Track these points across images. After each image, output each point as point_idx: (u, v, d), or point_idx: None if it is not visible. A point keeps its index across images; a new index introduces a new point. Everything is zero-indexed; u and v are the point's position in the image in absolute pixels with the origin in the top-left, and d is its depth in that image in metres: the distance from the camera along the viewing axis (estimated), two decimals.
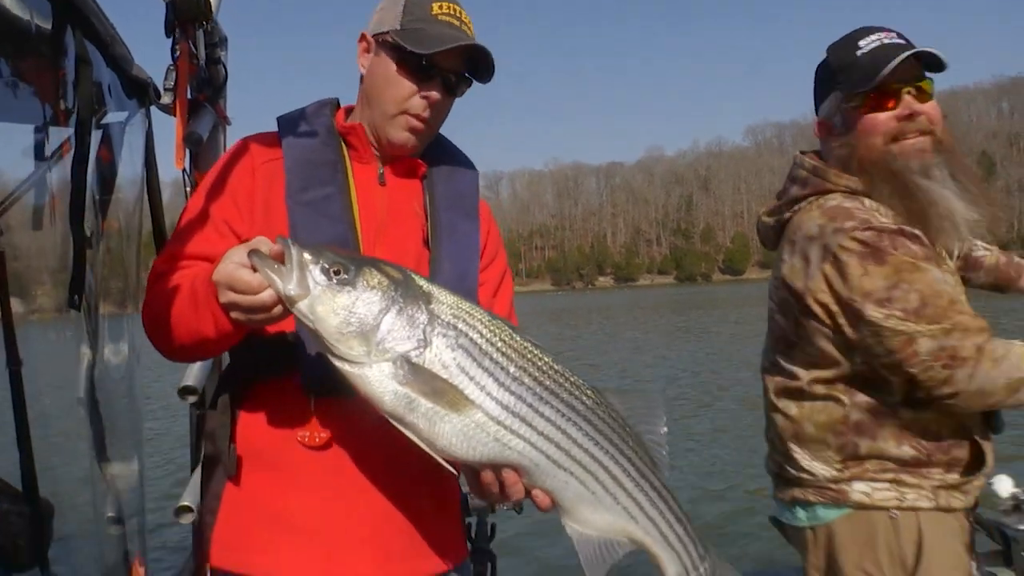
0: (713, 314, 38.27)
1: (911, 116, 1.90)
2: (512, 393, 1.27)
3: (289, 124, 1.67)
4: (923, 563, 1.83)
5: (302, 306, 1.25)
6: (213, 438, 1.60)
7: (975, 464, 1.91)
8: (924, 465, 1.88)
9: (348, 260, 1.27)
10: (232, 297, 1.30)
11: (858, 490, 1.89)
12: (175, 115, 2.37)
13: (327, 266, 1.25)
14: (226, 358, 1.81)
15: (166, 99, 2.36)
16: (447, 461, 1.31)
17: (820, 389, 1.94)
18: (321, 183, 1.61)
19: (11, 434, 2.20)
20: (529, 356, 1.31)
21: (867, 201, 1.94)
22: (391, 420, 1.29)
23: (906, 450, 1.88)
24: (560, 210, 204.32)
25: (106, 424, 2.40)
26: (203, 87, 2.49)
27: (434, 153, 1.75)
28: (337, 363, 1.28)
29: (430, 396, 1.25)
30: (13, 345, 2.19)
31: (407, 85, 1.60)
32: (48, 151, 2.49)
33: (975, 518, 2.77)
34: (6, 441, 2.23)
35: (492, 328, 1.30)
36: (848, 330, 1.85)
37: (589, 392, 1.35)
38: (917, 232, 1.86)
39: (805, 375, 1.96)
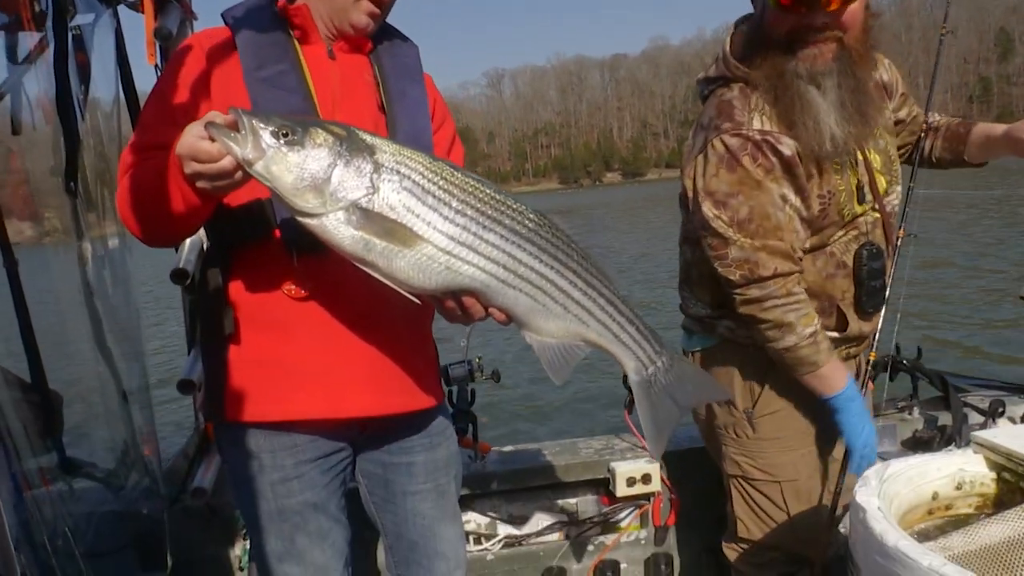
0: None
1: (821, 22, 1.90)
2: (456, 224, 1.40)
3: (236, 16, 1.75)
4: (765, 393, 2.13)
5: (258, 167, 1.36)
6: (209, 310, 1.72)
7: (837, 328, 2.12)
8: None
9: (294, 122, 1.38)
10: (195, 167, 1.40)
11: (724, 326, 2.16)
12: (142, 11, 2.42)
13: (275, 129, 1.36)
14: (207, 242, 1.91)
15: None
16: (410, 293, 1.45)
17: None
18: (274, 60, 1.69)
19: (15, 330, 2.35)
20: (470, 190, 1.42)
21: (754, 97, 2.01)
22: (353, 262, 1.43)
23: None
24: (565, 107, 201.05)
25: (103, 312, 2.55)
26: None
27: (375, 32, 1.83)
28: (299, 217, 1.40)
29: (383, 236, 1.38)
30: (8, 248, 2.31)
31: None
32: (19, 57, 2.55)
33: (916, 367, 3.00)
34: (11, 335, 2.38)
35: (433, 168, 1.41)
36: (691, 215, 2.06)
37: (532, 216, 1.47)
38: (782, 145, 1.95)
39: (693, 230, 2.14)
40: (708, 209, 1.99)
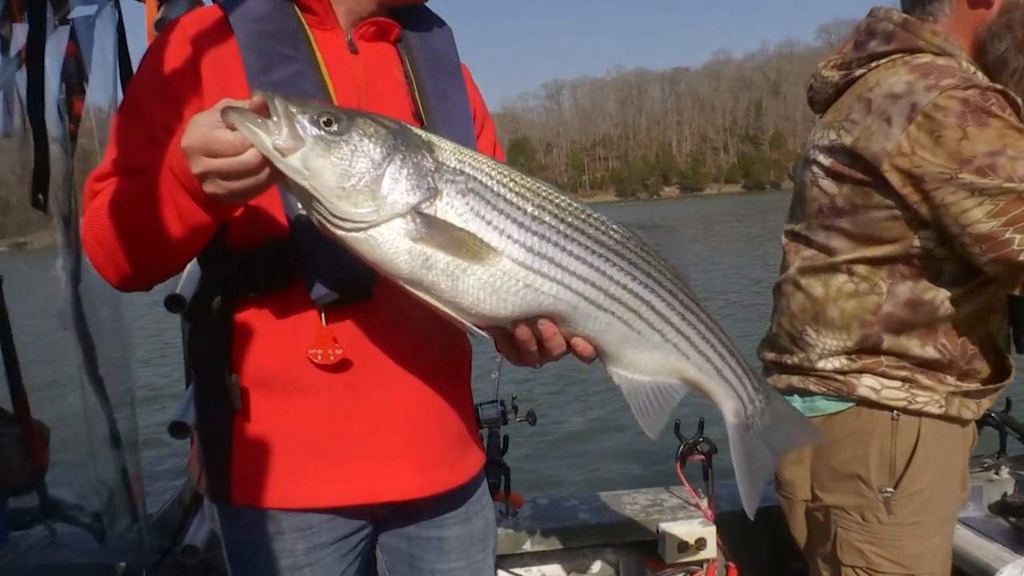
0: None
1: None
2: (535, 233, 1.19)
3: None
4: (911, 469, 1.75)
5: (293, 161, 1.11)
6: (207, 364, 1.44)
7: (994, 377, 1.81)
8: (942, 369, 1.76)
9: (337, 110, 1.16)
10: (209, 164, 1.13)
11: (866, 384, 1.77)
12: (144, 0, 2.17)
13: (316, 116, 1.12)
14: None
15: None
16: (476, 323, 1.21)
17: (861, 270, 1.76)
18: (284, 59, 1.39)
19: None
20: (544, 194, 1.22)
21: (963, 62, 1.71)
22: (409, 286, 1.18)
23: (929, 351, 1.74)
24: (624, 119, 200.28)
25: (94, 339, 2.29)
26: None
27: (401, 11, 1.53)
28: (339, 230, 1.14)
29: (448, 249, 1.16)
30: None
31: None
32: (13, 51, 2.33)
33: (1005, 420, 2.66)
34: None
35: (500, 170, 1.21)
36: (923, 204, 1.65)
37: (616, 227, 1.26)
38: (1018, 99, 1.66)
39: (848, 252, 1.77)
40: (971, 180, 1.59)
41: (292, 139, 1.11)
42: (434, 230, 1.15)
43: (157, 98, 1.37)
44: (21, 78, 2.28)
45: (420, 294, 1.18)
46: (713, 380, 1.34)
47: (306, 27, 1.43)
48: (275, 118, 1.11)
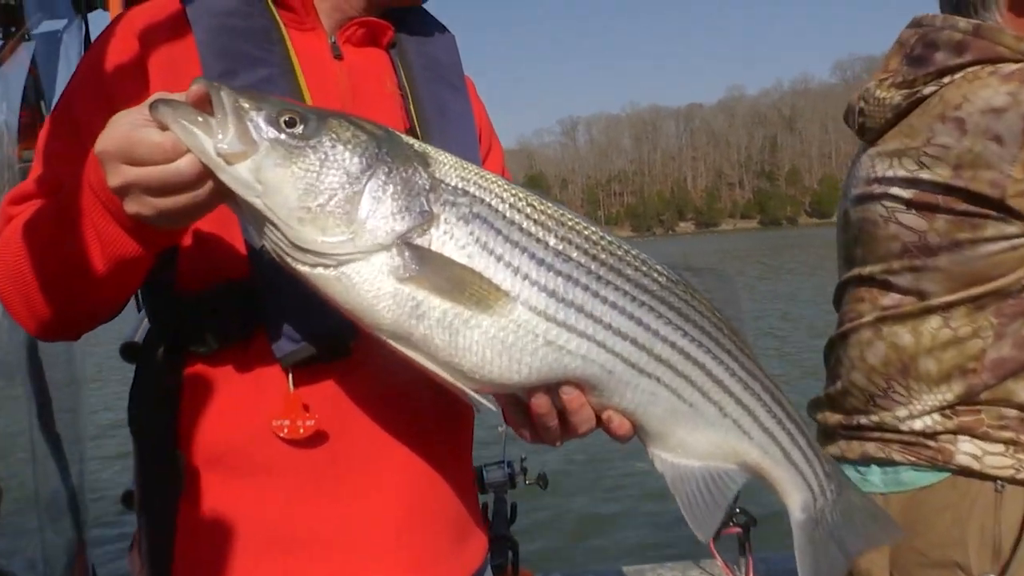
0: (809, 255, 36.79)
1: None
2: (559, 274, 0.94)
3: None
4: (1021, 551, 1.49)
5: (242, 171, 0.86)
6: (149, 432, 1.18)
7: None
8: None
9: (305, 109, 0.93)
10: (131, 174, 0.87)
11: (965, 451, 1.54)
12: (106, 7, 1.95)
13: (275, 114, 0.88)
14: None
15: None
16: (480, 391, 0.94)
17: (961, 313, 1.52)
18: (252, 61, 1.15)
19: None
20: (571, 224, 0.97)
21: None
22: (393, 341, 0.92)
23: None
24: (639, 155, 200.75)
25: (52, 383, 2.03)
26: None
27: (396, 13, 1.29)
28: (302, 265, 0.89)
29: (446, 292, 0.91)
30: None
31: None
32: None
33: None
34: None
35: (514, 192, 0.96)
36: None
37: (660, 268, 1.02)
38: None
39: (944, 293, 1.53)
40: None
41: (241, 142, 0.86)
42: (428, 267, 0.90)
43: (94, 105, 1.12)
44: None
45: (408, 351, 0.93)
46: (780, 465, 1.08)
47: (281, 26, 1.19)
48: (219, 115, 0.85)
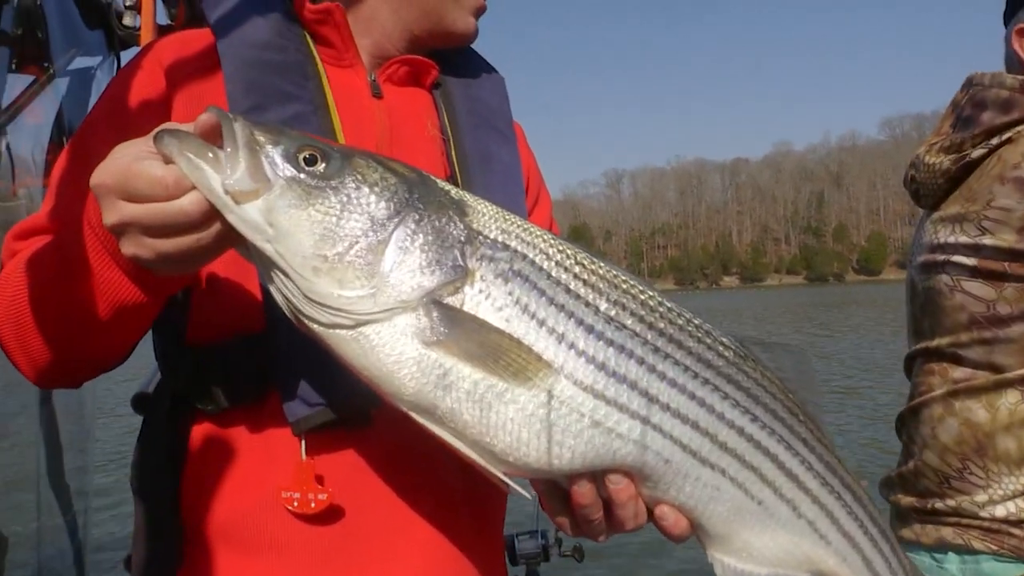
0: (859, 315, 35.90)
1: None
2: (610, 343, 0.83)
3: (224, 14, 1.11)
4: None
5: (251, 211, 0.76)
6: (149, 497, 1.08)
7: None
8: None
9: (328, 146, 0.83)
10: (128, 211, 0.78)
11: None
12: (139, 44, 1.90)
13: (293, 149, 0.79)
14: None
15: (128, 19, 1.86)
16: (514, 475, 0.85)
17: None
18: (283, 98, 1.07)
19: None
20: (625, 287, 0.86)
21: None
22: (416, 414, 0.82)
23: None
24: (683, 208, 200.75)
25: (58, 444, 1.93)
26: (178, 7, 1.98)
27: (441, 52, 1.21)
28: (315, 323, 0.79)
29: (479, 360, 0.79)
30: None
31: None
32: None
33: None
34: None
35: (561, 248, 0.86)
36: None
37: (726, 340, 0.90)
38: None
39: (1021, 367, 1.44)
40: None
41: (252, 179, 0.76)
42: (458, 330, 0.79)
43: (111, 137, 1.02)
44: (13, 131, 2.03)
45: (432, 427, 0.83)
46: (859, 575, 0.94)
47: (318, 61, 1.12)
48: (230, 147, 0.76)
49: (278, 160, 0.79)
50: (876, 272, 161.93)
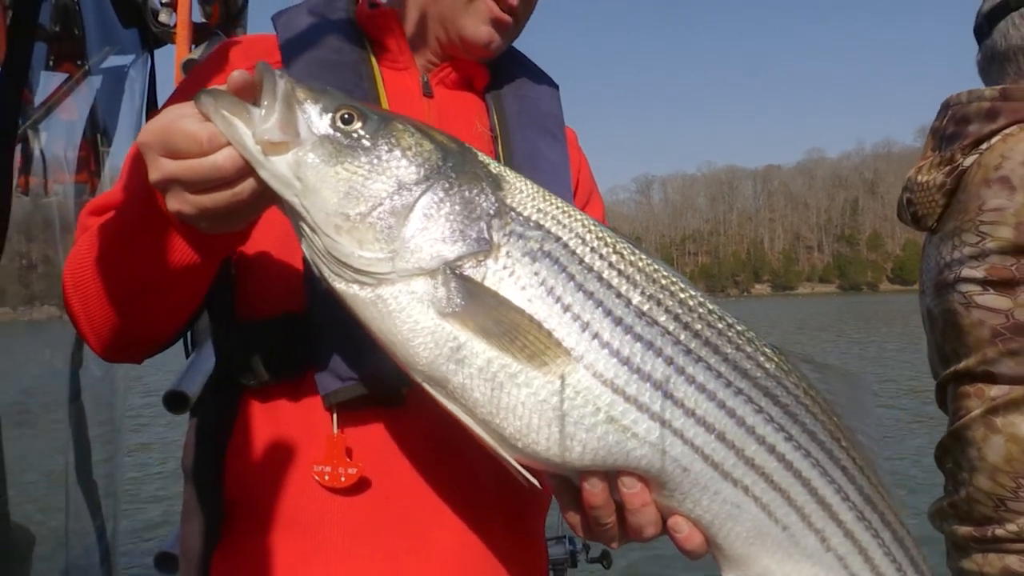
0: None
1: None
2: (638, 337, 0.79)
3: (290, 20, 1.20)
4: None
5: (281, 164, 0.77)
6: (195, 473, 1.11)
7: None
8: None
9: (370, 108, 0.83)
10: (169, 168, 0.80)
11: None
12: (174, 41, 1.91)
13: (331, 108, 0.80)
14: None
15: (164, 17, 1.87)
16: (524, 463, 0.82)
17: None
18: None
19: None
20: (664, 282, 0.82)
21: None
22: (427, 385, 0.81)
23: None
24: (714, 215, 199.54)
25: (87, 442, 1.92)
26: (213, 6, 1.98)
27: (497, 60, 1.26)
28: (337, 281, 0.79)
29: (494, 337, 0.77)
30: None
31: None
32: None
33: None
34: None
35: (600, 235, 0.82)
36: None
37: (769, 351, 0.84)
38: None
39: None
40: None
41: (282, 131, 0.78)
42: (475, 304, 0.77)
43: None
44: (47, 128, 2.04)
45: (444, 401, 0.82)
46: None
47: (373, 63, 1.18)
48: (267, 101, 0.76)
49: (313, 116, 0.80)
50: (911, 281, 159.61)
